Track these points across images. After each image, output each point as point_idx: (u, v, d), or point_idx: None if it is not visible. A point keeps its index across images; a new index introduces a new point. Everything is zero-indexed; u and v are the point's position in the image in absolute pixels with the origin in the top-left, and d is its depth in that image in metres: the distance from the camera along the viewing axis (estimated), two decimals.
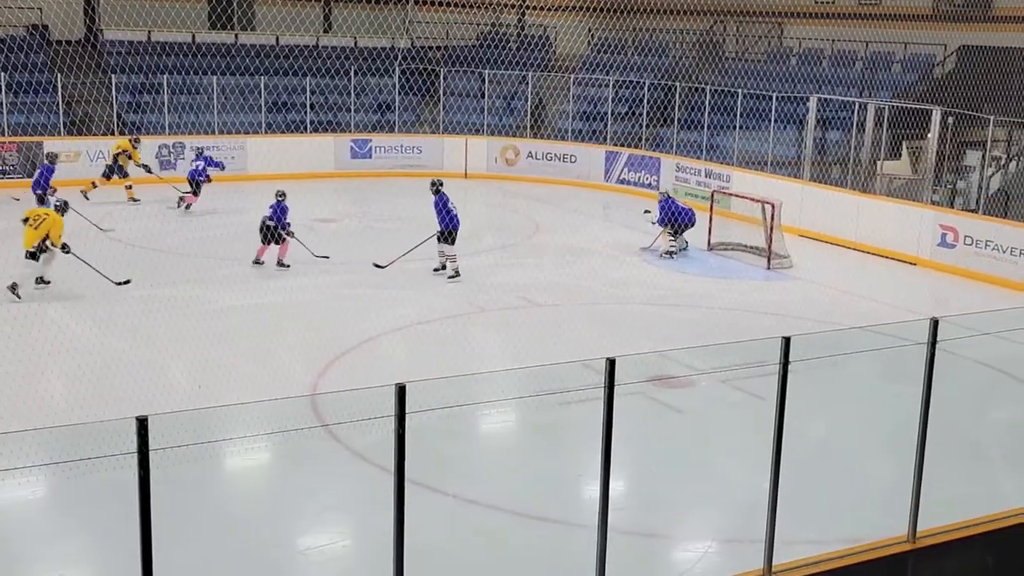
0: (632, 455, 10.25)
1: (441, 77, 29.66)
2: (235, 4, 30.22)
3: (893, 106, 22.02)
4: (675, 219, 19.45)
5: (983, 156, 20.93)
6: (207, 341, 13.47)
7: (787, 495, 7.51)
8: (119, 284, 15.69)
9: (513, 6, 35.28)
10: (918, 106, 21.64)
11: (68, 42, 26.96)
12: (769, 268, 18.92)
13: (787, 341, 7.32)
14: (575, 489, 9.64)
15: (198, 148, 23.68)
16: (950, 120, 20.73)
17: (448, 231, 17.16)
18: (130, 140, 23.59)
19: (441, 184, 17.62)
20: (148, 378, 11.70)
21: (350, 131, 28.39)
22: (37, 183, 20.42)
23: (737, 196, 21.52)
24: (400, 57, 30.29)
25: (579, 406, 9.90)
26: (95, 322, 14.17)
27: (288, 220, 17.74)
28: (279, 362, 12.91)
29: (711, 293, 17.29)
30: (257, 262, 17.66)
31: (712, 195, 21.22)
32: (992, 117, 19.94)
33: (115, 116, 25.96)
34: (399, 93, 29.38)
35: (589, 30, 32.92)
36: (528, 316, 15.55)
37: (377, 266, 17.44)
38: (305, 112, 28.11)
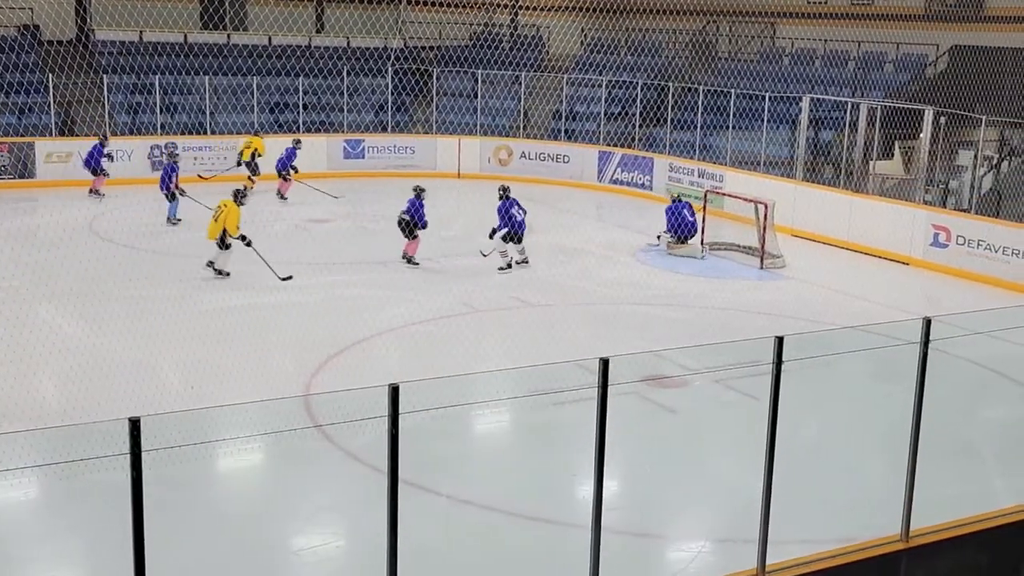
0: (626, 455, 10.25)
1: (434, 77, 29.65)
2: (227, 4, 30.15)
3: (885, 106, 22.06)
4: (680, 228, 19.56)
5: (975, 156, 20.97)
6: (200, 341, 13.45)
7: (780, 495, 7.52)
8: (284, 280, 16.26)
9: (506, 6, 35.26)
10: (910, 106, 21.68)
11: (60, 42, 26.91)
12: (762, 268, 18.94)
13: (780, 341, 7.33)
14: (569, 489, 9.64)
15: (296, 140, 24.65)
16: (942, 120, 20.77)
17: (512, 234, 18.02)
18: (257, 136, 24.77)
19: (507, 190, 18.66)
20: (140, 379, 11.68)
21: (343, 131, 28.37)
22: (163, 182, 20.86)
23: (730, 196, 21.55)
24: (393, 57, 30.29)
25: (573, 406, 9.90)
26: (87, 322, 14.13)
27: (426, 218, 18.37)
28: (272, 362, 12.88)
29: (704, 293, 17.31)
30: (407, 258, 18.31)
31: (705, 195, 21.23)
32: (984, 117, 19.98)
33: (107, 116, 25.89)
34: (392, 93, 29.36)
35: (582, 30, 32.95)
36: (521, 316, 15.55)
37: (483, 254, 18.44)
38: (298, 112, 28.09)
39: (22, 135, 24.69)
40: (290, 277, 16.44)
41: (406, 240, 18.34)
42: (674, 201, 20.01)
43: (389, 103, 29.34)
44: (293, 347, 13.49)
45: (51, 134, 25.08)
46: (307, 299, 15.72)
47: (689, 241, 19.73)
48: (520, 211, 18.26)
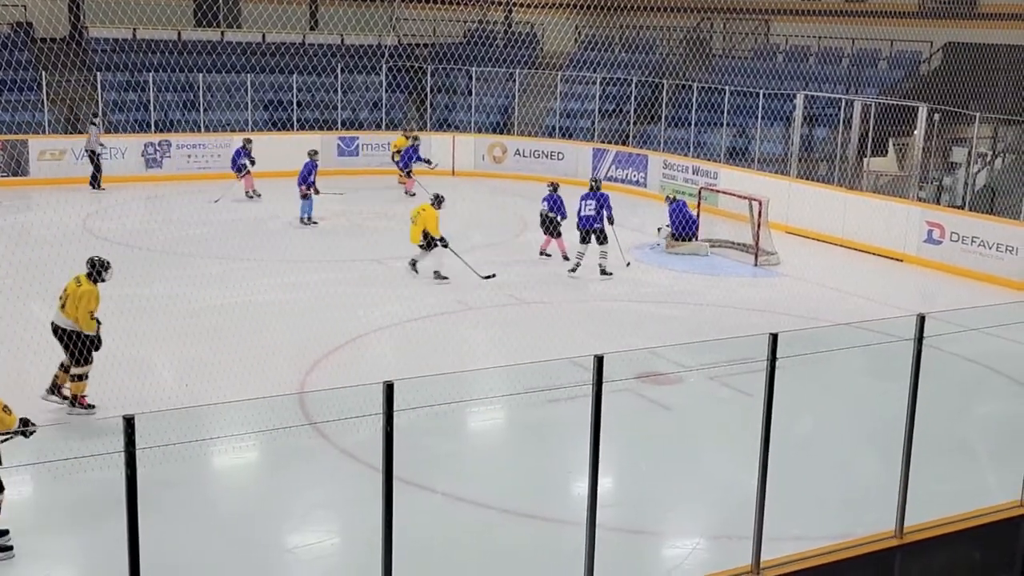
0: (620, 452, 10.26)
1: (428, 74, 29.62)
2: (221, 1, 30.11)
3: (879, 103, 22.08)
4: (684, 227, 19.61)
5: (969, 153, 21.00)
6: (194, 339, 13.43)
7: (775, 491, 7.53)
8: (485, 278, 16.72)
9: (500, 3, 35.24)
10: (904, 103, 21.70)
11: (53, 40, 26.83)
12: (756, 265, 18.95)
13: (774, 338, 7.34)
14: (564, 486, 9.64)
15: (415, 138, 25.17)
16: (936, 117, 20.80)
17: (583, 230, 17.80)
18: (405, 135, 25.31)
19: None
20: (135, 377, 11.66)
21: (337, 129, 28.34)
22: (303, 178, 21.07)
23: (724, 193, 21.57)
24: (387, 54, 30.26)
25: (568, 403, 9.91)
26: None
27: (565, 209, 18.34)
28: (267, 360, 12.86)
29: (699, 290, 17.32)
30: (544, 254, 18.63)
31: (699, 192, 21.25)
32: (978, 114, 20.01)
33: (101, 114, 25.82)
34: (386, 91, 29.34)
35: (576, 27, 32.93)
36: (516, 314, 15.55)
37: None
38: (292, 110, 28.05)
39: (15, 133, 24.62)
40: (492, 275, 16.76)
41: (548, 238, 18.45)
42: (673, 200, 20.04)
43: (383, 100, 29.31)
44: (288, 345, 13.47)
45: (45, 132, 25.01)
46: (301, 296, 15.71)
47: (694, 239, 19.74)
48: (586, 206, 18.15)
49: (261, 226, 20.95)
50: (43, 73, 24.86)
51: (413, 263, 17.00)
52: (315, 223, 21.09)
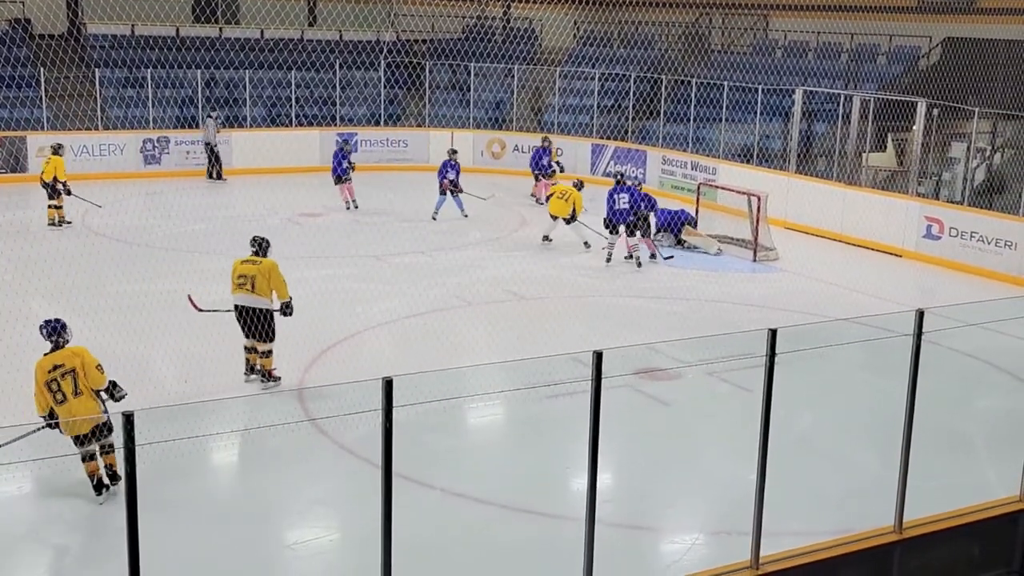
0: (619, 448, 10.27)
1: (427, 70, 29.60)
2: None
3: (878, 98, 22.07)
4: (672, 223, 19.72)
5: (968, 148, 20.98)
6: (193, 335, 13.43)
7: (774, 487, 7.53)
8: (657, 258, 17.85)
9: None
10: (903, 98, 21.69)
11: (51, 36, 26.82)
12: (755, 260, 18.95)
13: (773, 333, 7.34)
14: (563, 482, 9.64)
15: (545, 139, 24.74)
16: (935, 112, 20.79)
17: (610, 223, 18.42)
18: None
19: (621, 175, 19.35)
20: (134, 373, 11.66)
21: (336, 125, 28.32)
22: (442, 174, 21.66)
23: (723, 189, 21.56)
24: (385, 50, 30.22)
25: (566, 399, 9.90)
26: (79, 317, 14.05)
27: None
28: None
29: (697, 286, 17.31)
30: (652, 256, 18.78)
31: (698, 188, 21.25)
32: (977, 109, 19.99)
33: (99, 110, 25.83)
34: (384, 87, 29.31)
35: (575, 23, 32.89)
36: (515, 310, 15.55)
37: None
38: (290, 106, 28.04)
39: (14, 129, 24.60)
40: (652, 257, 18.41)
41: (635, 238, 18.34)
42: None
43: (382, 96, 29.29)
44: (286, 341, 13.45)
45: (43, 128, 24.99)
46: (300, 293, 15.62)
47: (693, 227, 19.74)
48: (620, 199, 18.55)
49: (260, 222, 20.91)
50: (41, 69, 24.84)
51: (546, 237, 19.33)
52: (466, 215, 21.83)
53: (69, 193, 19.88)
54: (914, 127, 20.95)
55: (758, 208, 19.20)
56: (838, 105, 23.00)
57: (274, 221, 20.96)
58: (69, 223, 20.05)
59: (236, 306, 11.70)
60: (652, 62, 29.73)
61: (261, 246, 12.04)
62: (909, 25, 26.73)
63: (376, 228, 20.61)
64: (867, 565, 8.04)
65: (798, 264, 18.77)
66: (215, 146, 25.25)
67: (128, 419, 5.55)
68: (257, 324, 11.60)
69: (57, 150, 20.30)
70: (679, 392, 12.32)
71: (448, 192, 21.47)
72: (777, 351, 7.33)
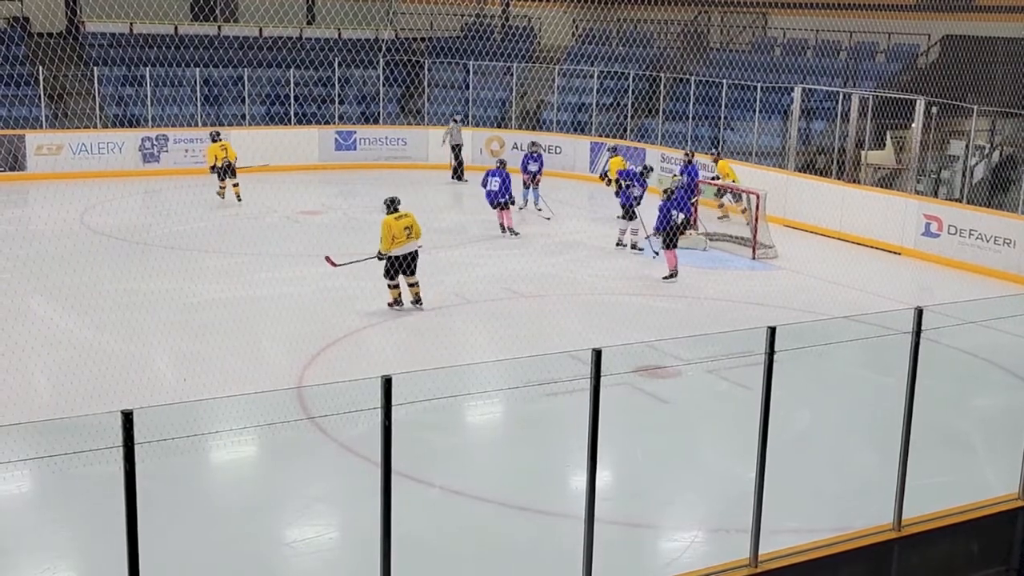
0: (618, 445, 10.27)
1: (425, 68, 29.59)
2: None
3: (877, 96, 22.07)
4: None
5: (967, 145, 20.98)
6: (192, 334, 13.44)
7: (773, 484, 7.54)
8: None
9: None
10: (902, 96, 21.69)
11: (50, 34, 26.80)
12: (754, 258, 18.95)
13: (772, 331, 7.35)
14: (562, 480, 9.65)
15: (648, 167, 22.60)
16: (934, 110, 20.79)
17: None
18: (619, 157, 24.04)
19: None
20: (133, 371, 11.66)
21: (334, 123, 28.32)
22: (524, 167, 22.37)
23: (722, 187, 21.54)
24: (384, 48, 30.22)
25: (565, 397, 9.92)
26: (79, 315, 14.09)
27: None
28: (264, 355, 12.88)
29: (696, 283, 17.31)
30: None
31: (698, 186, 21.22)
32: (976, 107, 20.00)
33: (97, 109, 25.83)
34: (383, 85, 29.31)
35: (573, 21, 32.90)
36: (514, 307, 15.54)
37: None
38: (289, 104, 28.03)
39: (12, 128, 24.60)
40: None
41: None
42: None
43: (381, 94, 29.28)
44: (286, 339, 13.48)
45: (42, 126, 24.99)
46: (299, 291, 15.71)
47: (689, 231, 19.71)
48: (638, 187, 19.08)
49: (259, 220, 20.94)
50: (40, 68, 24.83)
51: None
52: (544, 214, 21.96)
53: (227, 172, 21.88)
54: (913, 125, 20.96)
55: (757, 206, 19.20)
56: (837, 103, 22.99)
57: (273, 219, 20.98)
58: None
59: (407, 254, 14.57)
60: (651, 60, 29.73)
61: (395, 201, 15.04)
62: (908, 23, 26.74)
63: (375, 226, 20.54)
64: (866, 563, 8.05)
65: (797, 262, 18.77)
66: (461, 148, 26.05)
67: (127, 418, 5.55)
68: (415, 262, 14.70)
69: (216, 137, 22.39)
70: (678, 390, 12.32)
71: (529, 186, 22.04)
72: (776, 349, 7.34)
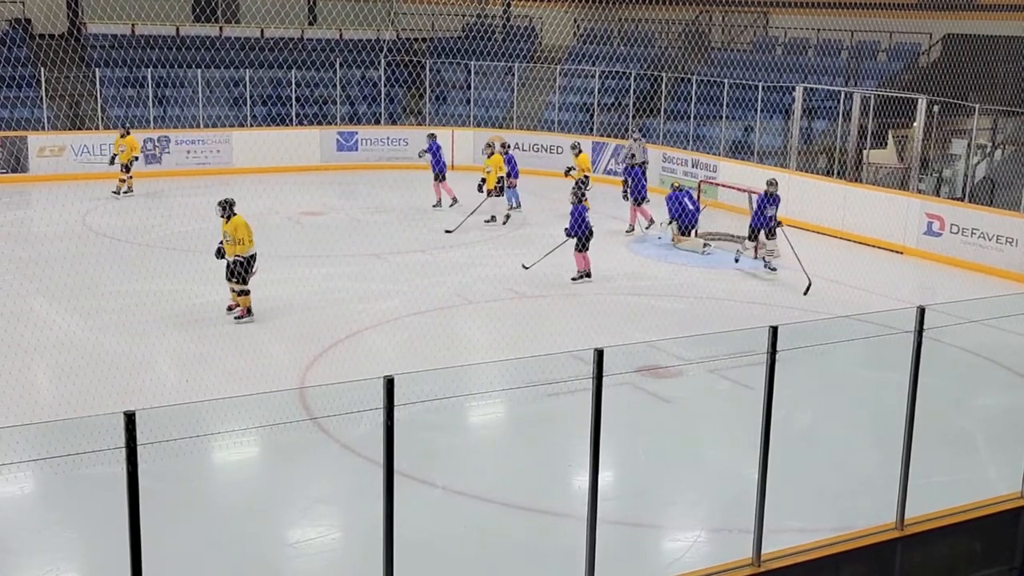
0: (620, 445, 10.27)
1: (427, 69, 29.60)
2: None
3: (879, 95, 22.06)
4: (681, 217, 19.55)
5: (969, 144, 20.97)
6: (194, 335, 13.44)
7: (775, 484, 7.54)
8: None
9: None
10: (904, 95, 21.68)
11: (51, 36, 26.84)
12: (756, 258, 18.93)
13: (774, 330, 7.35)
14: (564, 480, 9.65)
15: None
16: (935, 109, 20.77)
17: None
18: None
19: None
20: (135, 372, 11.67)
21: (336, 124, 28.32)
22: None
23: (724, 186, 21.54)
24: (385, 49, 30.22)
25: (568, 397, 9.91)
26: (81, 317, 14.12)
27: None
28: (267, 355, 12.88)
29: (698, 283, 17.30)
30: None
31: (699, 185, 21.24)
32: (977, 105, 19.98)
33: (99, 110, 25.84)
34: (385, 85, 29.31)
35: (575, 21, 32.90)
36: (516, 307, 15.55)
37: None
38: (291, 105, 28.04)
39: (14, 129, 24.60)
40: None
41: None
42: (675, 190, 19.91)
43: (382, 95, 29.29)
44: (287, 340, 13.48)
45: (44, 128, 25.00)
46: (301, 292, 15.71)
47: (692, 232, 19.70)
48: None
49: (260, 221, 20.90)
50: (42, 69, 24.84)
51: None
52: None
53: None
54: (915, 124, 20.94)
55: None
56: (838, 102, 22.98)
57: (275, 220, 20.97)
58: None
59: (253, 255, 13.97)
60: (652, 59, 29.72)
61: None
62: (909, 22, 26.73)
63: (376, 226, 20.60)
64: (869, 562, 8.05)
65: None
66: (645, 163, 22.71)
67: (129, 419, 5.56)
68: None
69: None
70: (680, 389, 12.32)
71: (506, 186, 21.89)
72: (778, 348, 7.34)
